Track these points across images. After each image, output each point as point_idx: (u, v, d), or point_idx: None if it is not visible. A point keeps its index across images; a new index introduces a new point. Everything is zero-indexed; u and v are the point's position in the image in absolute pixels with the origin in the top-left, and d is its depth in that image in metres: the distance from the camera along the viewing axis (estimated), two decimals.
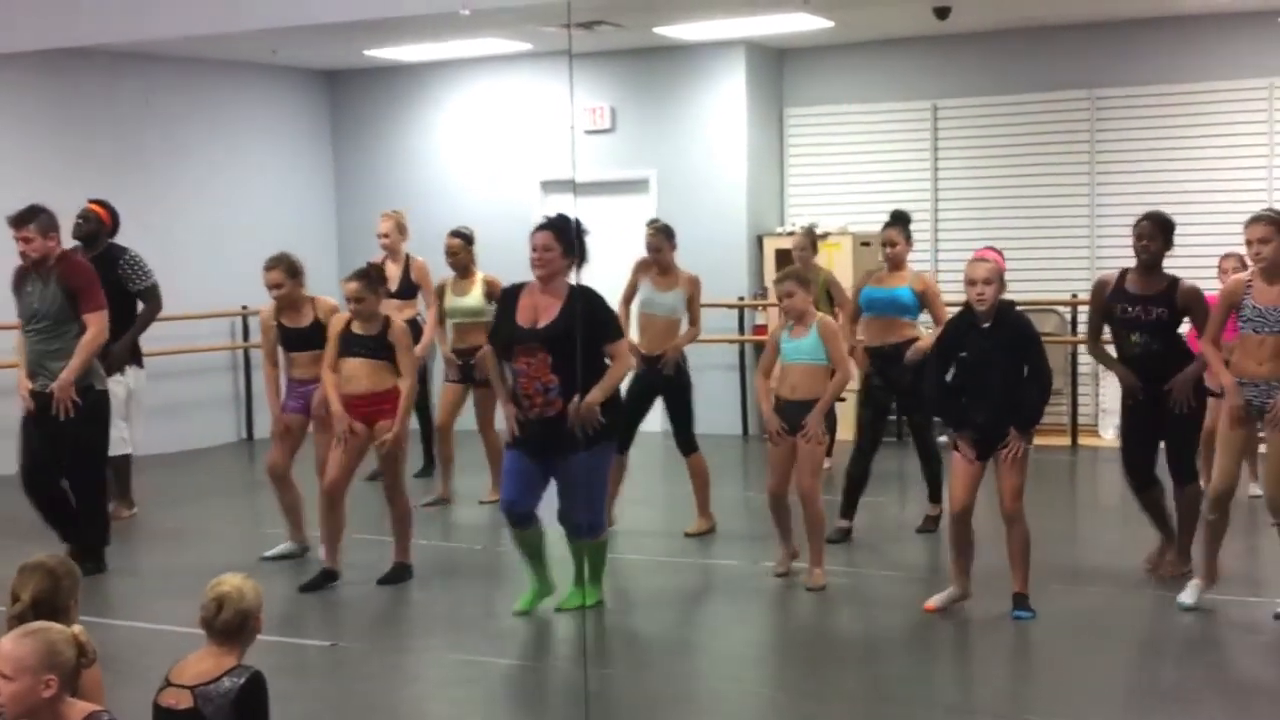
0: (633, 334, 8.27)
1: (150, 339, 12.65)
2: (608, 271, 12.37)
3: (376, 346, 7.45)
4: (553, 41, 12.91)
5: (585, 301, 6.46)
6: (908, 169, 13.16)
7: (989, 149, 12.88)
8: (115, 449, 8.97)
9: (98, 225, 9.21)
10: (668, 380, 8.50)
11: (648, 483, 10.05)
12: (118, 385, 9.01)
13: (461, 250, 9.54)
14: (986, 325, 6.62)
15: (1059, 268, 12.57)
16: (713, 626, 7.10)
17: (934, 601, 6.82)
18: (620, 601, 7.25)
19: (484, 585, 7.71)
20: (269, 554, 8.18)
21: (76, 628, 3.88)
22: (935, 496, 8.55)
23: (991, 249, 7.07)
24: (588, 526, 6.72)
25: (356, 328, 7.53)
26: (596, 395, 6.46)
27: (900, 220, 8.63)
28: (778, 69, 13.57)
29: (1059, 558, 7.80)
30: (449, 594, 7.47)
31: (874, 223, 13.06)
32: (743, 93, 13.13)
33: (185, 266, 12.55)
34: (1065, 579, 7.39)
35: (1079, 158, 12.62)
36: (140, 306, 9.37)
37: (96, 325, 7.68)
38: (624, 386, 6.96)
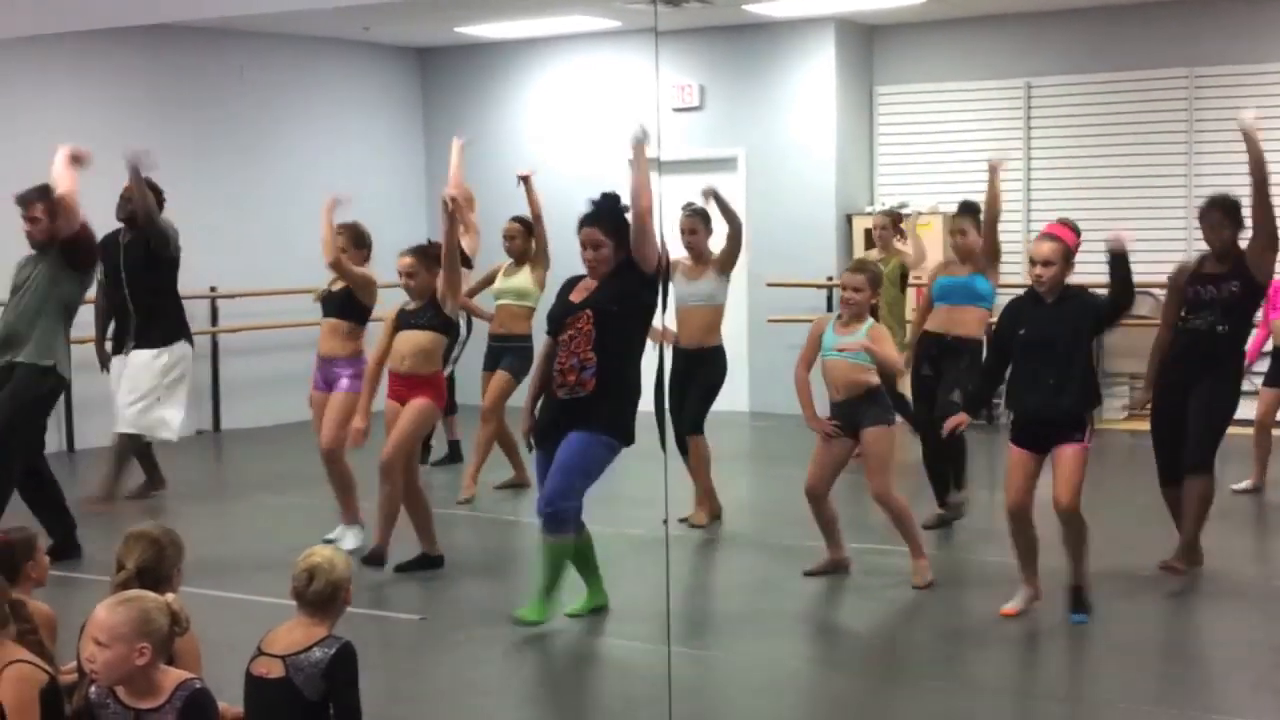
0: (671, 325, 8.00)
1: (238, 315, 12.87)
2: None
3: (425, 322, 7.40)
4: (640, 19, 12.88)
5: (627, 269, 6.29)
6: (1000, 148, 12.92)
7: (1083, 128, 12.68)
8: (155, 432, 8.64)
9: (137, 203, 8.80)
10: (704, 364, 8.23)
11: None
12: (158, 360, 8.58)
13: (519, 235, 9.45)
14: (1050, 301, 6.37)
15: (1156, 249, 12.30)
16: (789, 610, 7.05)
17: (1011, 606, 6.54)
18: (686, 584, 7.21)
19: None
20: (331, 538, 8.03)
21: (170, 596, 3.93)
22: (959, 481, 8.21)
23: (1064, 224, 6.68)
24: (545, 516, 6.25)
25: (408, 305, 7.52)
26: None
27: (970, 210, 8.37)
28: (868, 46, 13.44)
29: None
30: (534, 572, 7.47)
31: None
32: (832, 70, 13.03)
33: (276, 242, 12.69)
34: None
35: (1177, 137, 12.39)
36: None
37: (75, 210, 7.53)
38: (646, 378, 6.57)
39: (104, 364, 8.86)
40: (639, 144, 6.37)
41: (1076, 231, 6.59)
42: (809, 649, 6.46)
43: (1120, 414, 12.30)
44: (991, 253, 8.11)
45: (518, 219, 9.52)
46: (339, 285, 8.06)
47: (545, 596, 6.40)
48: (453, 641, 6.36)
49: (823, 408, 7.13)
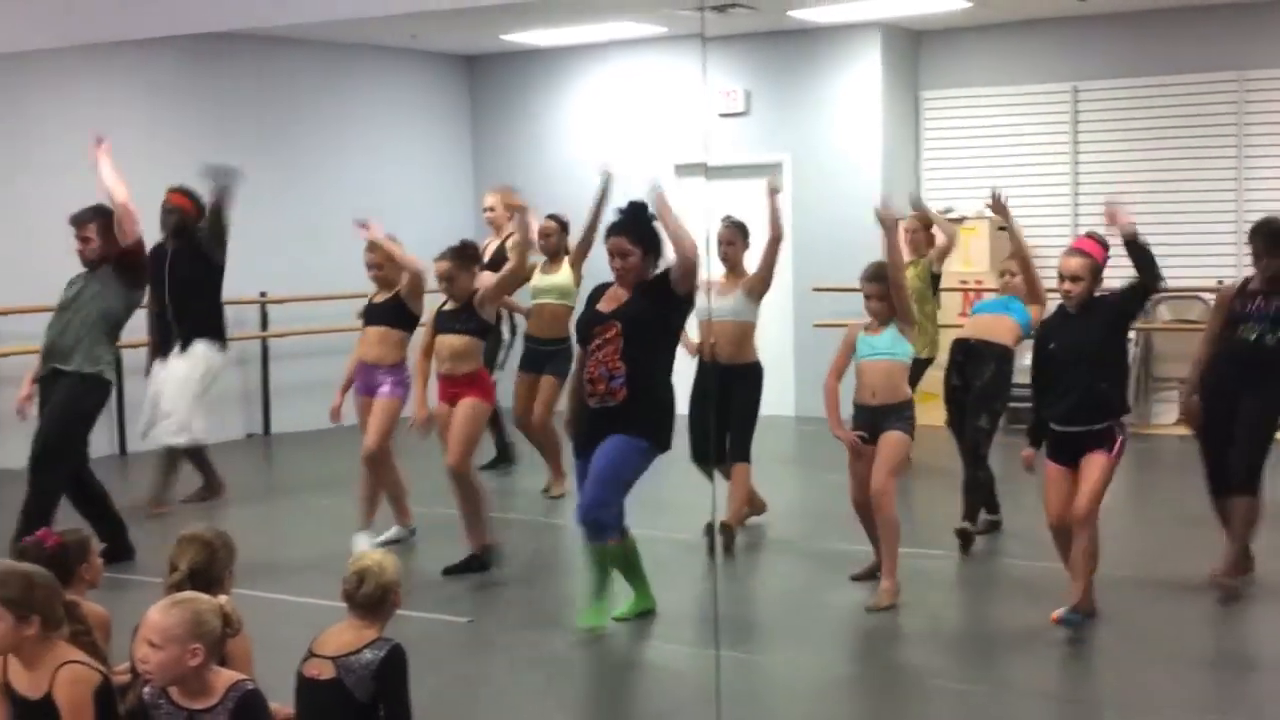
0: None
1: (288, 319, 12.97)
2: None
3: (461, 326, 7.44)
4: (686, 25, 12.90)
5: (654, 279, 6.31)
6: (1047, 153, 12.93)
7: (1131, 132, 12.60)
8: (180, 438, 8.87)
9: (181, 216, 8.98)
10: (740, 381, 8.11)
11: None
12: (197, 371, 8.87)
13: (555, 234, 9.40)
14: (1075, 311, 6.38)
15: (1205, 254, 12.26)
16: (827, 614, 7.05)
17: (1061, 614, 6.45)
18: (731, 589, 7.21)
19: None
20: (381, 539, 8.08)
21: (223, 598, 3.98)
22: (970, 514, 8.00)
23: (1092, 238, 6.62)
24: (588, 524, 6.29)
25: (447, 306, 7.59)
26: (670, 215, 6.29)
27: (1021, 260, 8.27)
28: (914, 51, 13.41)
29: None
30: (581, 577, 7.49)
31: (1012, 208, 12.84)
32: (878, 75, 13.01)
33: (325, 248, 12.77)
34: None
35: (1226, 141, 12.29)
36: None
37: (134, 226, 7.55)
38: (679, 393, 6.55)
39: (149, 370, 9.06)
40: (659, 197, 6.35)
41: (1105, 246, 6.55)
42: (855, 654, 6.45)
43: (1171, 419, 12.21)
44: (1035, 296, 7.97)
45: (554, 217, 9.51)
46: (381, 296, 8.08)
47: (598, 600, 6.44)
48: (502, 644, 6.40)
49: (847, 417, 7.09)
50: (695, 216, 6.59)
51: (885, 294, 6.89)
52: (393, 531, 8.20)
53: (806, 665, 6.10)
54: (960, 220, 12.60)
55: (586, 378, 6.28)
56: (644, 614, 6.60)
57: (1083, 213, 12.80)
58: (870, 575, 7.20)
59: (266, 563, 7.58)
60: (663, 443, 6.36)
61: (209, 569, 4.30)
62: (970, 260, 12.53)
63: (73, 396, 7.44)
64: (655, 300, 6.27)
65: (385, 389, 7.96)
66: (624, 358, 6.18)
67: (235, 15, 8.55)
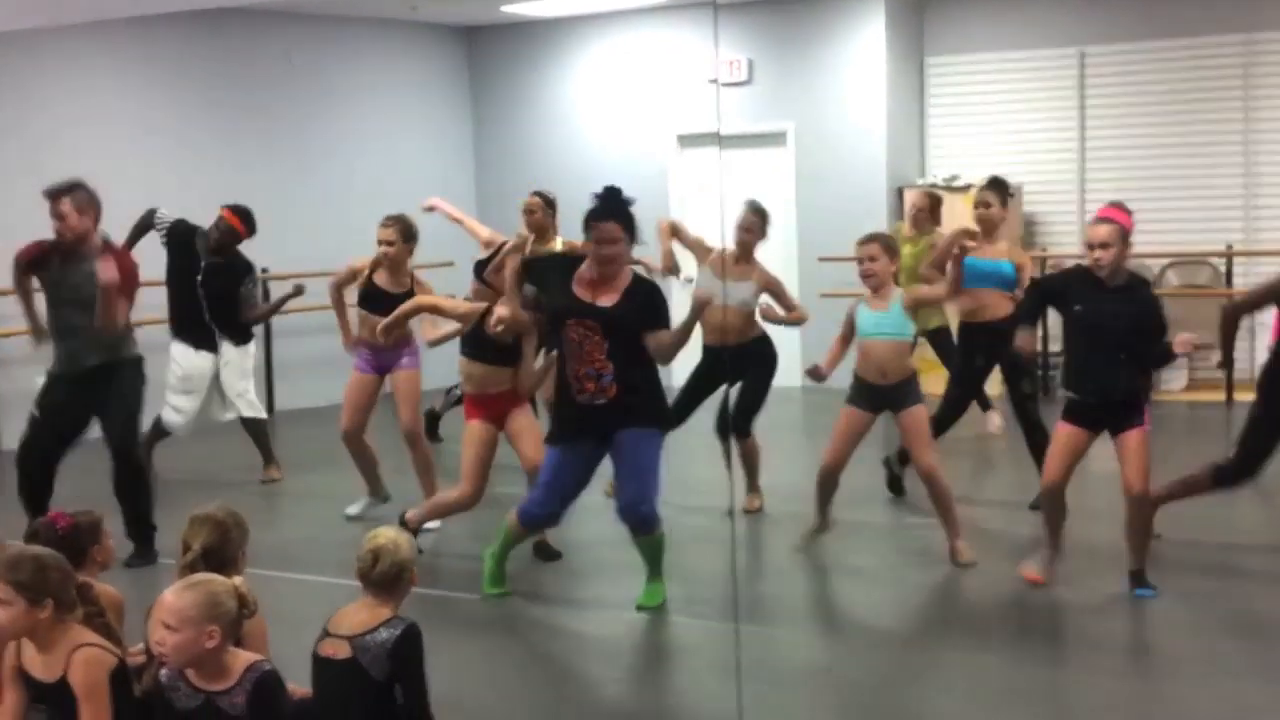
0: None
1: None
2: None
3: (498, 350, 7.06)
4: None
5: (647, 294, 6.21)
6: (1054, 119, 12.86)
7: (1138, 97, 12.54)
8: (250, 411, 9.43)
9: (232, 236, 9.08)
10: (755, 358, 8.07)
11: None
12: (249, 354, 9.52)
13: (540, 209, 9.07)
14: (1112, 286, 6.27)
15: (1212, 218, 12.21)
16: (851, 595, 7.02)
17: (1037, 572, 6.52)
18: (747, 564, 7.18)
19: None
20: (351, 512, 8.21)
21: (238, 579, 3.95)
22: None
23: (1118, 207, 6.57)
24: (640, 519, 6.26)
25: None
26: (674, 335, 6.18)
27: (997, 185, 8.27)
28: (918, 17, 13.32)
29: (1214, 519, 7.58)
30: (599, 551, 7.47)
31: (1018, 174, 12.85)
32: (882, 42, 12.92)
33: (326, 223, 12.72)
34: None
35: (1233, 105, 12.23)
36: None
37: (124, 310, 7.18)
38: (680, 365, 6.47)
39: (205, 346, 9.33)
40: (701, 299, 6.23)
41: (1129, 213, 6.50)
42: (874, 626, 6.41)
43: (1180, 385, 12.19)
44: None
45: (539, 193, 9.23)
46: (389, 282, 7.96)
47: (655, 580, 6.43)
48: (519, 621, 6.37)
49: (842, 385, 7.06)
50: (705, 187, 6.47)
51: (879, 255, 6.85)
52: (362, 503, 8.30)
53: (821, 637, 6.07)
54: (966, 187, 12.54)
55: (571, 373, 6.20)
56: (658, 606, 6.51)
57: (1090, 178, 12.75)
58: (817, 535, 7.21)
59: (277, 541, 7.56)
60: (667, 425, 6.42)
61: (222, 549, 4.27)
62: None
63: (135, 384, 7.40)
64: (639, 313, 6.16)
65: (405, 361, 8.00)
66: (610, 356, 6.12)
67: None
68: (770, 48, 13.34)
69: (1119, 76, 12.62)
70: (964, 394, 8.35)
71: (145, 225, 9.23)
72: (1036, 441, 7.93)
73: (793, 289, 12.82)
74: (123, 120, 11.78)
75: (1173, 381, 12.20)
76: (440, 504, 7.31)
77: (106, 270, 6.93)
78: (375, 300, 7.94)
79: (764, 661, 5.61)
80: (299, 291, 9.32)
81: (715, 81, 13.25)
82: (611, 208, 6.18)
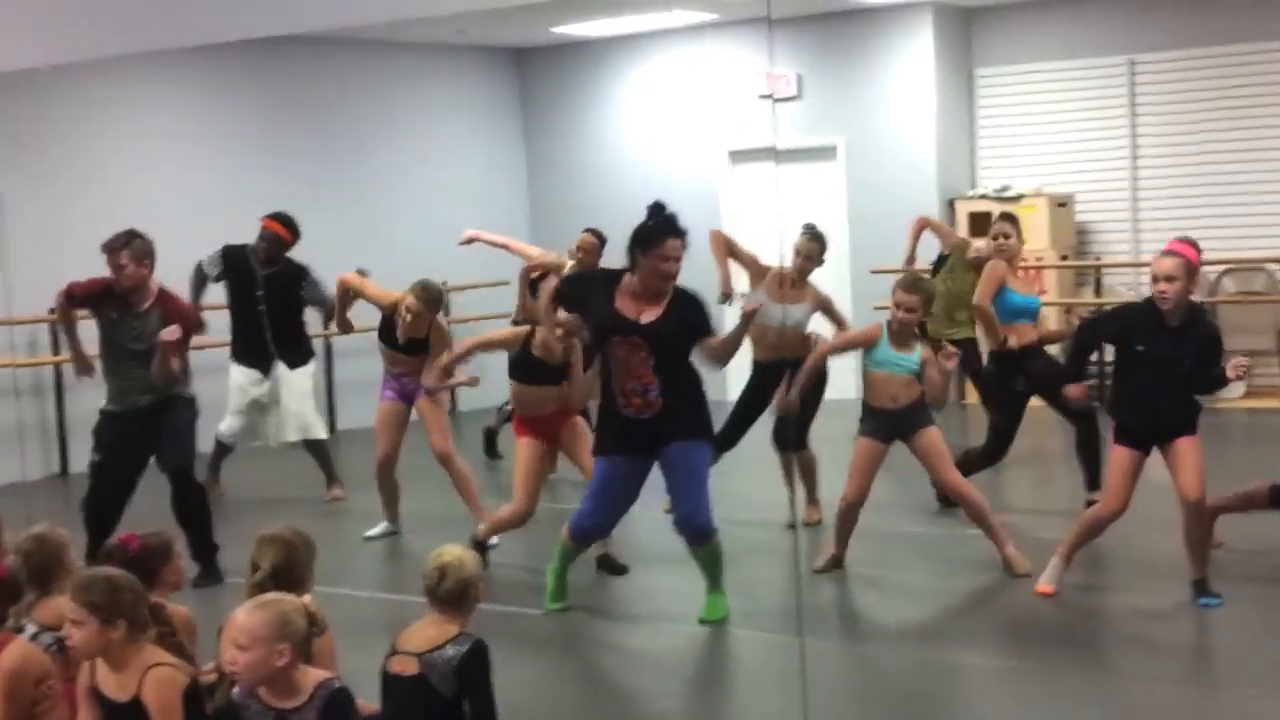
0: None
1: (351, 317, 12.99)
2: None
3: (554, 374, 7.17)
4: (737, 10, 12.87)
5: (691, 305, 6.22)
6: (1104, 128, 12.80)
7: (1190, 104, 12.45)
8: (309, 433, 9.58)
9: (279, 243, 9.29)
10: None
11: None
12: (309, 373, 9.67)
13: (594, 250, 8.99)
14: (1175, 324, 6.23)
15: (1267, 224, 12.12)
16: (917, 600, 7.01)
17: (1049, 585, 6.54)
18: (806, 578, 7.21)
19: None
20: (371, 534, 8.37)
21: (307, 598, 4.00)
22: (1094, 483, 8.03)
23: (1187, 241, 6.48)
24: (698, 530, 6.30)
25: (538, 352, 7.11)
26: (725, 343, 6.26)
27: (1010, 215, 8.31)
28: (966, 29, 13.31)
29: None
30: (662, 566, 7.49)
31: (1069, 184, 12.83)
32: (931, 54, 12.92)
33: (380, 245, 12.82)
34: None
35: None
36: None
37: (180, 358, 7.35)
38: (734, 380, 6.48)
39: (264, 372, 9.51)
40: (750, 310, 6.38)
41: (1198, 249, 6.44)
42: (938, 639, 6.39)
43: (1238, 393, 12.10)
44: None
45: (593, 231, 9.15)
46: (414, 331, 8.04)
47: (716, 593, 6.46)
48: (582, 636, 6.41)
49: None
50: (758, 203, 6.48)
51: (917, 308, 6.88)
52: (381, 527, 8.43)
53: (885, 650, 6.07)
54: (1018, 198, 12.52)
55: (618, 388, 6.22)
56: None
57: (1142, 186, 12.68)
58: (833, 566, 7.19)
59: (342, 559, 7.64)
60: (711, 435, 6.45)
61: (290, 568, 4.33)
62: (1028, 238, 12.37)
63: (188, 417, 7.57)
64: (685, 327, 6.18)
65: (423, 391, 8.08)
66: (656, 370, 6.15)
67: (281, 22, 8.61)
68: (819, 62, 13.36)
69: (1169, 84, 12.55)
70: (1010, 422, 8.21)
71: (201, 279, 9.37)
72: (1094, 453, 7.99)
73: (845, 302, 12.88)
74: (175, 146, 11.93)
75: (1231, 389, 12.09)
76: (498, 520, 7.40)
77: (170, 332, 7.13)
78: (395, 341, 8.12)
79: (826, 674, 5.62)
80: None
81: (770, 97, 13.28)
82: (675, 224, 6.21)
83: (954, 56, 13.19)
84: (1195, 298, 6.49)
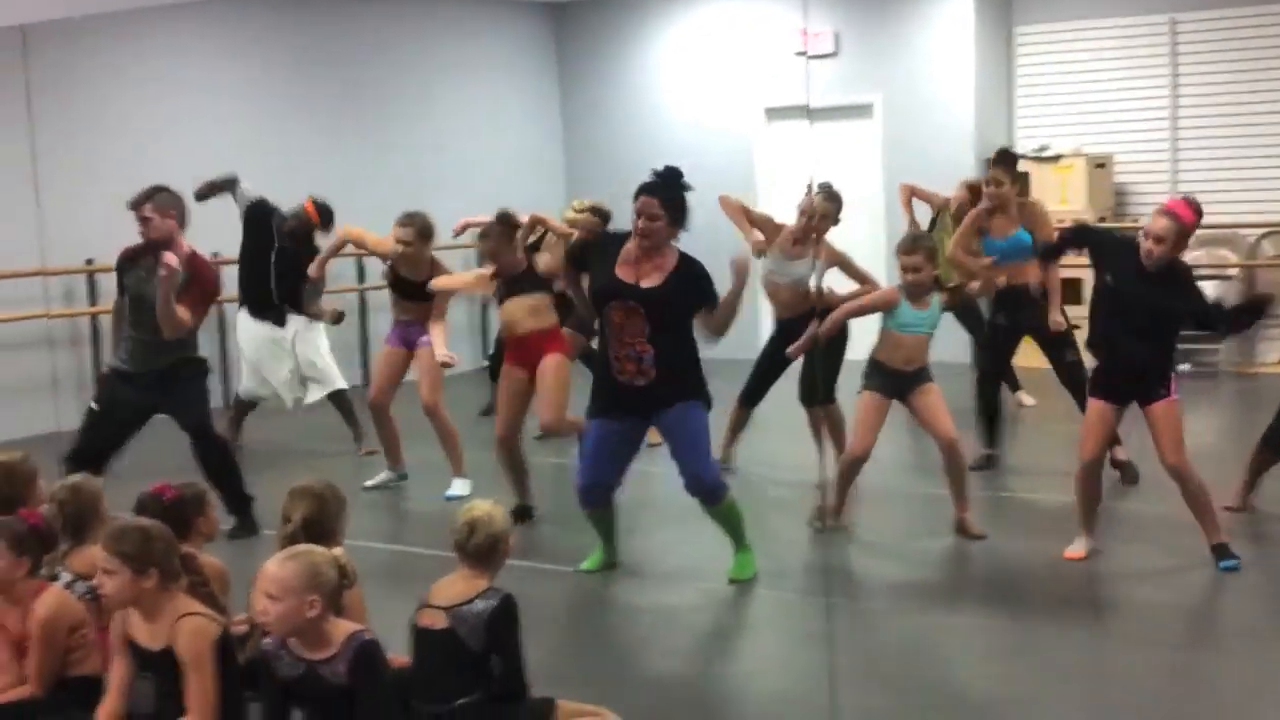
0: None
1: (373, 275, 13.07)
2: None
3: (529, 287, 7.44)
4: None
5: (692, 273, 6.11)
6: (1145, 87, 12.67)
7: (1232, 64, 12.30)
8: (325, 389, 9.65)
9: (307, 226, 9.33)
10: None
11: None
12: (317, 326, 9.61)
13: (597, 230, 8.73)
14: (1151, 271, 6.18)
15: None
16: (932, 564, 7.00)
17: (1078, 551, 6.50)
18: (832, 539, 7.21)
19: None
20: (370, 484, 8.38)
21: (338, 550, 4.03)
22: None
23: (1186, 201, 6.36)
24: (707, 490, 6.28)
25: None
26: (723, 310, 6.15)
27: (1007, 159, 8.29)
28: None
29: None
30: (694, 526, 7.49)
31: (1109, 144, 12.71)
32: (971, 12, 12.80)
33: (411, 200, 12.77)
34: None
35: None
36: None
37: (191, 315, 7.20)
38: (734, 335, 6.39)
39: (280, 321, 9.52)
40: (739, 267, 6.16)
41: (1198, 212, 6.33)
42: (959, 598, 6.40)
43: (1276, 357, 12.01)
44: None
45: (596, 210, 9.11)
46: (406, 271, 8.17)
47: (742, 551, 6.46)
48: (613, 594, 6.41)
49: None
50: (793, 160, 6.43)
51: (922, 265, 6.84)
52: (382, 476, 8.50)
53: (911, 610, 6.07)
54: (1056, 158, 12.43)
55: (612, 354, 6.16)
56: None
57: (1182, 148, 12.56)
58: (831, 520, 7.14)
59: (374, 514, 7.66)
60: (708, 398, 6.32)
61: (321, 520, 4.37)
62: (1066, 199, 12.34)
63: (198, 377, 7.51)
64: (684, 294, 6.11)
65: (425, 339, 8.13)
66: (650, 338, 6.08)
67: None
68: (857, 18, 13.25)
69: (1211, 43, 12.40)
70: (993, 356, 8.50)
71: (227, 185, 9.29)
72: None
73: (881, 261, 12.85)
74: (208, 100, 11.91)
75: (1268, 354, 12.02)
76: None
77: (168, 259, 6.88)
78: (401, 288, 8.25)
79: (853, 634, 5.63)
80: (338, 318, 9.46)
81: (804, 54, 13.18)
82: (657, 185, 6.11)
83: (994, 14, 13.06)
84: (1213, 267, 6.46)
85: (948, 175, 12.54)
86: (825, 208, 8.06)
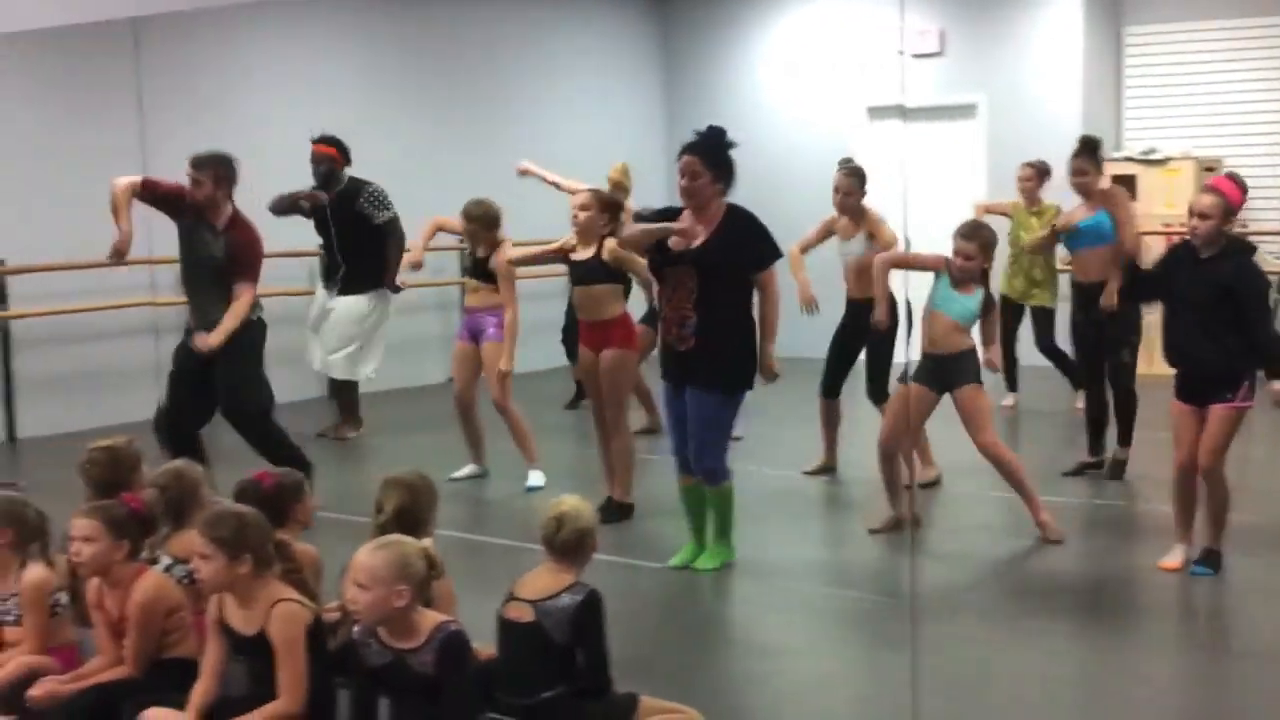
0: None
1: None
2: (935, 200, 12.21)
3: (597, 277, 7.52)
4: None
5: (739, 224, 6.21)
6: (1258, 91, 12.42)
7: None
8: (344, 373, 9.69)
9: (329, 164, 9.50)
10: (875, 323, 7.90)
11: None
12: (357, 308, 9.60)
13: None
14: (1206, 256, 6.12)
15: None
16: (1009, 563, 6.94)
17: (1174, 561, 6.39)
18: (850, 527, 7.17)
19: (822, 515, 7.83)
20: (455, 475, 8.42)
21: (427, 541, 4.09)
22: (1126, 439, 8.16)
23: (1231, 178, 6.37)
24: (705, 472, 6.40)
25: (575, 255, 7.66)
26: (639, 230, 6.36)
27: (1090, 148, 8.24)
28: None
29: None
30: (770, 522, 7.52)
31: (1218, 147, 12.48)
32: (1079, 10, 12.64)
33: (515, 195, 12.89)
34: None
35: None
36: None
37: (246, 297, 7.40)
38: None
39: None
40: (669, 230, 6.29)
41: (1243, 189, 6.31)
42: (1040, 606, 6.33)
43: None
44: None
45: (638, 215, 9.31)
46: (480, 252, 8.31)
47: (720, 541, 6.57)
48: (698, 590, 6.43)
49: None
50: (895, 160, 6.48)
51: (975, 255, 6.83)
52: (468, 469, 8.57)
53: (998, 618, 6.03)
54: (1164, 161, 12.24)
55: (664, 316, 6.37)
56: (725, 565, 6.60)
57: None
58: (889, 529, 7.09)
59: (463, 506, 7.73)
60: (734, 388, 6.38)
61: (413, 511, 4.43)
62: (1173, 202, 12.14)
63: (252, 344, 7.54)
64: (730, 250, 6.18)
65: (491, 332, 8.25)
66: (696, 303, 6.16)
67: None
68: (962, 17, 13.13)
69: None
70: (1083, 357, 8.46)
71: (298, 209, 9.56)
72: (1122, 405, 8.14)
73: None
74: (317, 91, 12.07)
75: None
76: None
77: (199, 342, 7.31)
78: (477, 271, 8.40)
79: (935, 639, 5.60)
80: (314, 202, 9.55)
81: (902, 53, 13.09)
82: (699, 144, 6.26)
83: (1103, 13, 12.89)
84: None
85: (1054, 175, 12.42)
86: (846, 183, 8.20)
